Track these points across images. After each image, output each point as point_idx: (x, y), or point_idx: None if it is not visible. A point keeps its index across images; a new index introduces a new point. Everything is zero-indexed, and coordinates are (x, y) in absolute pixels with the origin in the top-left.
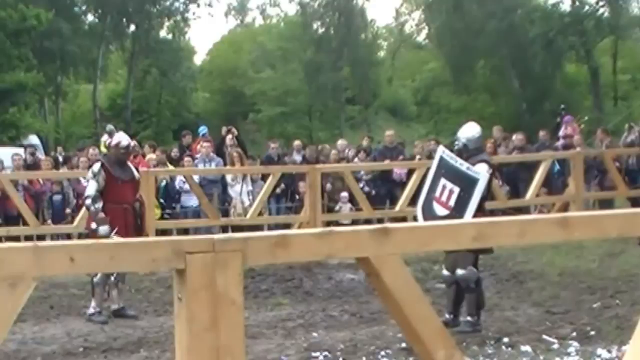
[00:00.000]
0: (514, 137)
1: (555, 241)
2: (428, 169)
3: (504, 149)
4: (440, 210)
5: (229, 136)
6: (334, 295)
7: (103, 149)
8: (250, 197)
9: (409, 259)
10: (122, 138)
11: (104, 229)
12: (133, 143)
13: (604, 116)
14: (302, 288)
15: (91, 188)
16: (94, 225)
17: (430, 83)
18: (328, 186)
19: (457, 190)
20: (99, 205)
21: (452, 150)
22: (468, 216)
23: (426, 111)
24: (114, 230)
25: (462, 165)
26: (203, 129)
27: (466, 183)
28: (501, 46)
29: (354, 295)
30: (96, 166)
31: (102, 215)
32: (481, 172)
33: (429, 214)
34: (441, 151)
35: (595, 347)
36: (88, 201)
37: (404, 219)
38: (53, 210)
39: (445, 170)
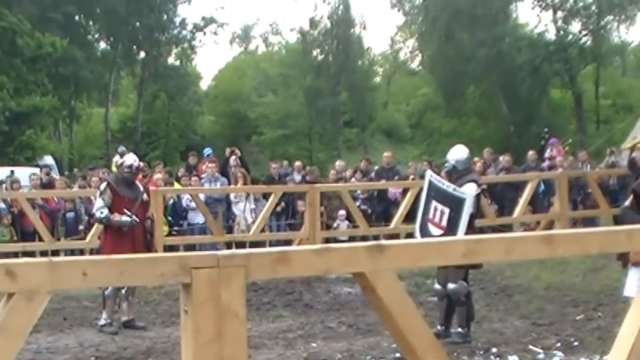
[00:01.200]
0: (501, 158)
1: (540, 257)
2: (421, 189)
3: (492, 170)
4: (435, 231)
5: (233, 157)
6: (332, 307)
7: (114, 169)
8: (253, 215)
9: (403, 273)
10: (127, 158)
11: (125, 218)
12: (138, 163)
13: (587, 139)
14: (302, 301)
15: (97, 205)
16: (120, 218)
17: (423, 107)
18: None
19: (447, 211)
20: (105, 210)
21: (438, 173)
22: (460, 234)
23: (419, 134)
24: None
25: (448, 187)
26: (208, 150)
27: (454, 204)
28: (490, 73)
29: (351, 307)
30: (102, 185)
31: (113, 215)
32: (467, 192)
33: (425, 234)
34: (429, 175)
35: (578, 357)
36: (97, 214)
37: (398, 236)
38: (66, 227)
39: (435, 193)
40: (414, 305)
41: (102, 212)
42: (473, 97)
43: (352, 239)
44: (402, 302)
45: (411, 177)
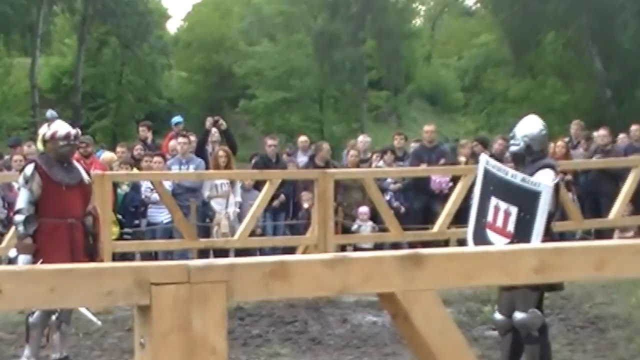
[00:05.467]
0: (595, 134)
1: None
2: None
3: (581, 152)
4: (497, 239)
5: (214, 129)
6: (349, 343)
7: (39, 146)
8: (240, 211)
9: (450, 296)
10: (59, 127)
11: (24, 258)
12: (75, 131)
13: None
14: (307, 334)
15: (22, 199)
16: (12, 253)
17: (482, 62)
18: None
19: (514, 210)
20: (31, 228)
21: (499, 159)
22: (536, 242)
23: (476, 99)
24: (40, 262)
25: (515, 177)
26: (177, 119)
27: (525, 199)
28: (578, 14)
29: (375, 344)
30: (28, 168)
31: (29, 241)
32: (543, 182)
33: (483, 245)
34: (484, 162)
35: None
36: (18, 217)
37: (444, 244)
38: None
39: (495, 187)
40: (464, 342)
41: (23, 215)
42: (553, 48)
43: (378, 246)
44: (448, 337)
45: (463, 160)
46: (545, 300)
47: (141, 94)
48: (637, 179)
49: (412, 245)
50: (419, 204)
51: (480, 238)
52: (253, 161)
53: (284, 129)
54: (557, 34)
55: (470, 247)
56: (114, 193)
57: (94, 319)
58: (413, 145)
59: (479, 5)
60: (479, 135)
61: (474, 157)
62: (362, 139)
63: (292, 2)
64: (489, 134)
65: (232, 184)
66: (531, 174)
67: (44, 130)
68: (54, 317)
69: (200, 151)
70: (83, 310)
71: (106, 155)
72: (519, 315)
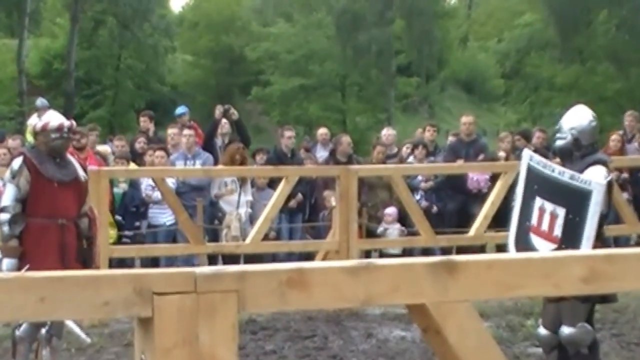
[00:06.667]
0: None
1: None
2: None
3: (636, 146)
4: (542, 245)
5: (225, 120)
6: None
7: (29, 138)
8: (252, 212)
9: (488, 309)
10: (51, 117)
11: (9, 262)
12: (70, 123)
13: None
14: (327, 350)
15: (8, 196)
16: (11, 259)
17: (526, 45)
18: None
19: (562, 212)
20: (17, 228)
21: (544, 154)
22: (586, 248)
23: (518, 87)
24: (26, 268)
25: (562, 174)
26: (181, 110)
27: (574, 200)
28: None
29: None
30: (16, 162)
31: (14, 243)
32: (594, 180)
33: (525, 250)
34: (528, 157)
35: None
36: (3, 216)
37: (481, 250)
38: None
39: (539, 185)
40: (503, 359)
41: (8, 213)
42: (605, 29)
43: (407, 252)
44: (485, 354)
45: (503, 155)
46: (596, 314)
47: (141, 80)
48: None
49: (445, 251)
50: (453, 205)
51: (523, 243)
52: (259, 156)
53: (302, 119)
54: (609, 14)
55: (511, 254)
56: (111, 191)
57: (82, 335)
58: (451, 139)
59: None
60: (521, 127)
61: (515, 153)
62: (386, 132)
63: None
64: (532, 126)
65: (244, 182)
66: (580, 171)
67: (34, 121)
68: (43, 331)
69: (208, 145)
70: (70, 324)
71: (103, 148)
72: (566, 330)
